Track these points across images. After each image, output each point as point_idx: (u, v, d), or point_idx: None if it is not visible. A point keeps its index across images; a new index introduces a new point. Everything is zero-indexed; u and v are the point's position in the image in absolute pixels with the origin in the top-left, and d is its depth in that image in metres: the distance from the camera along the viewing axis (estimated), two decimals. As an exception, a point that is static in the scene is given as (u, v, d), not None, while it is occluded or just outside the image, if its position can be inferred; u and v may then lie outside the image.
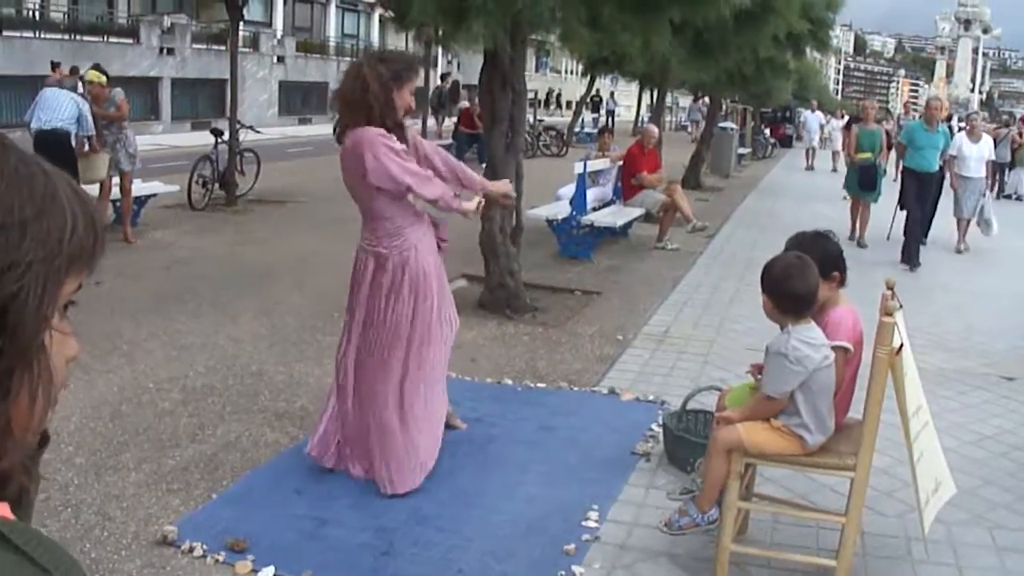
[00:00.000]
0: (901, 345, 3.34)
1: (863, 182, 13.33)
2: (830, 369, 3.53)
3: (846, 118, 31.56)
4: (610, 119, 39.32)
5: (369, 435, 4.48)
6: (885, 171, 14.94)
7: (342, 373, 4.58)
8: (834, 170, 25.82)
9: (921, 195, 12.04)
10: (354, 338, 4.53)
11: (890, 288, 3.57)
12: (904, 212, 12.09)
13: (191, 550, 3.78)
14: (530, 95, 29.89)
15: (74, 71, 22.82)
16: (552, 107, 48.74)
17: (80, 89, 11.61)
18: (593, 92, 37.15)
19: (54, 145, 9.05)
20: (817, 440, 3.53)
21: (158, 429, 5.11)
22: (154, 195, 11.81)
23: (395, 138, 4.35)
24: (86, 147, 9.88)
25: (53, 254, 0.87)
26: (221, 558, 3.73)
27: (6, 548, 0.81)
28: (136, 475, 4.51)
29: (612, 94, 46.66)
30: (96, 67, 10.88)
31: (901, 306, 3.62)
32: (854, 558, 3.84)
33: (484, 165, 8.18)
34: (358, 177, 4.32)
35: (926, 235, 12.55)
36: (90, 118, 9.74)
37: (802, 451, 3.54)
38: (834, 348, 3.62)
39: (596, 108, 40.56)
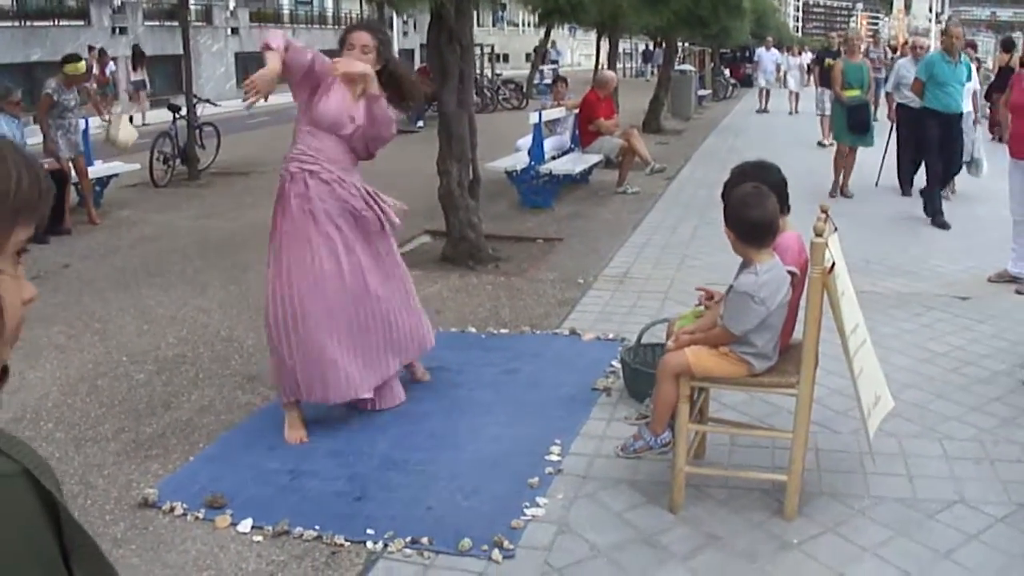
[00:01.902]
0: (833, 264, 3.49)
1: (854, 124, 11.47)
2: (786, 305, 3.68)
3: (808, 54, 30.80)
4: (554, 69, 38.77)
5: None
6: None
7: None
8: (791, 113, 24.47)
9: (945, 140, 10.17)
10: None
11: (824, 212, 3.71)
12: (902, 160, 11.54)
13: (172, 510, 3.91)
14: (486, 50, 29.94)
15: (102, 53, 22.84)
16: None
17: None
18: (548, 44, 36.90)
19: None
20: (764, 365, 3.69)
21: (134, 400, 5.22)
22: (115, 175, 11.79)
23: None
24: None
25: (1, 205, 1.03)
26: (201, 515, 3.87)
27: None
28: (115, 444, 4.62)
29: (554, 43, 45.82)
30: (67, 58, 10.31)
31: (836, 229, 3.77)
32: (809, 474, 4.02)
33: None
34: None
35: (913, 180, 11.15)
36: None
37: (748, 374, 3.69)
38: None
39: (543, 60, 40.00)
